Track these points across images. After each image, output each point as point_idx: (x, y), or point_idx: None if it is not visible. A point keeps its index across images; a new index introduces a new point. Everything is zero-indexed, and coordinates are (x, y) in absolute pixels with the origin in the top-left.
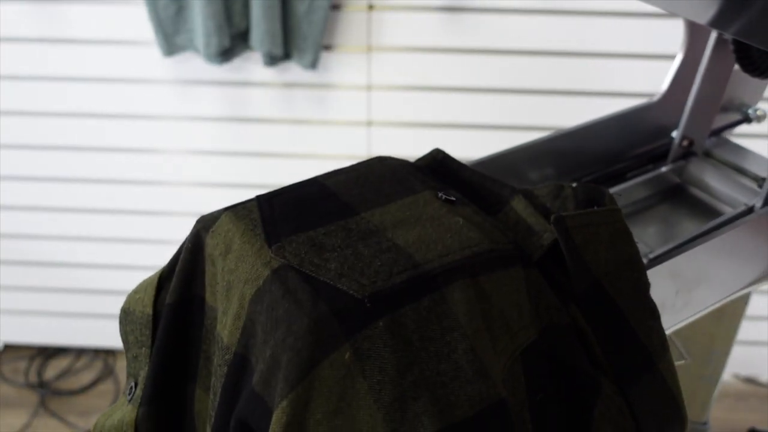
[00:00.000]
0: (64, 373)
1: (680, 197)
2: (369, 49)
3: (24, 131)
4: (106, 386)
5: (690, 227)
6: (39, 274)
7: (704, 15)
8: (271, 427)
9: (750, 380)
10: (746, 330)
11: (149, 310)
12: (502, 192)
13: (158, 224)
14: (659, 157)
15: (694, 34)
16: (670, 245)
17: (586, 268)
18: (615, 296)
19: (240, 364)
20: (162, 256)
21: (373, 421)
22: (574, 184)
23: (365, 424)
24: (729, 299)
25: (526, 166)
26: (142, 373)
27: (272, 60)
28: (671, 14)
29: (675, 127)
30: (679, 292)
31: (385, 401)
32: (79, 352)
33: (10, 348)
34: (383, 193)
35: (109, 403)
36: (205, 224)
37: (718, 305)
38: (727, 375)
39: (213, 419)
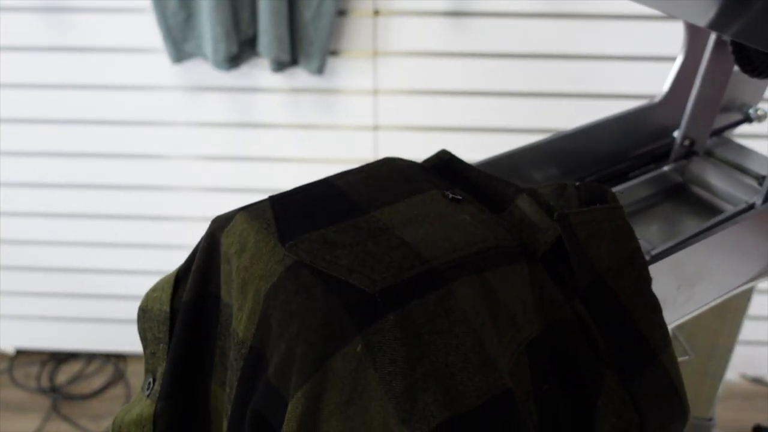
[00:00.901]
0: (75, 378)
1: (682, 196)
2: (375, 53)
3: (36, 138)
4: (117, 390)
5: (692, 225)
6: (50, 280)
7: (703, 18)
8: (286, 417)
9: (757, 380)
10: (753, 330)
11: (167, 308)
12: (507, 191)
13: (168, 229)
14: (661, 156)
15: (694, 36)
16: (672, 242)
17: (589, 264)
18: (617, 291)
19: (255, 358)
20: (172, 261)
21: (384, 411)
22: (577, 183)
23: (377, 414)
24: (730, 295)
25: (530, 166)
26: (160, 369)
27: (279, 66)
28: (671, 17)
29: (676, 127)
30: (681, 287)
31: (395, 392)
32: (91, 356)
33: (22, 353)
34: (392, 193)
35: (120, 407)
36: (220, 224)
37: (719, 301)
38: (734, 375)
39: (229, 411)
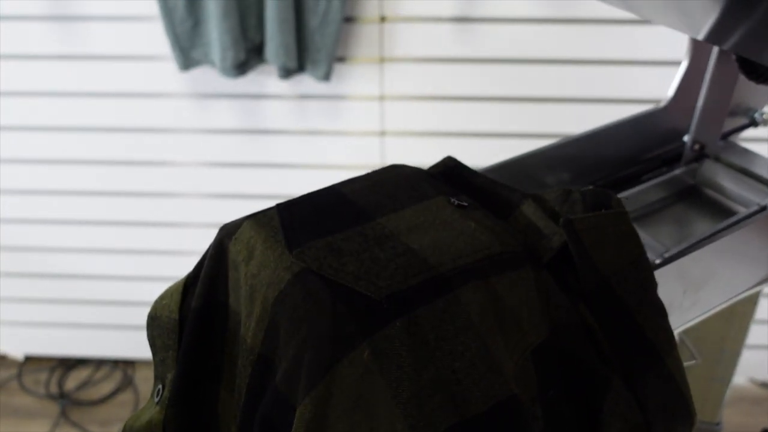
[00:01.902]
0: (84, 384)
1: (695, 198)
2: (381, 60)
3: (44, 145)
4: (126, 396)
5: (705, 227)
6: (59, 286)
7: (699, 32)
8: (294, 423)
9: (765, 385)
10: (762, 334)
11: (175, 315)
12: (512, 197)
13: (176, 236)
14: (672, 159)
15: (698, 43)
16: (684, 245)
17: (594, 269)
18: (622, 295)
19: (263, 365)
20: (180, 267)
21: (391, 417)
22: (582, 189)
23: (384, 420)
24: (737, 299)
25: (540, 171)
26: (169, 376)
27: (286, 72)
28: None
29: (685, 130)
30: (687, 291)
31: (402, 398)
32: (99, 363)
33: (31, 359)
34: (398, 200)
35: (129, 413)
36: (228, 232)
37: (725, 305)
38: (742, 379)
39: (238, 418)
